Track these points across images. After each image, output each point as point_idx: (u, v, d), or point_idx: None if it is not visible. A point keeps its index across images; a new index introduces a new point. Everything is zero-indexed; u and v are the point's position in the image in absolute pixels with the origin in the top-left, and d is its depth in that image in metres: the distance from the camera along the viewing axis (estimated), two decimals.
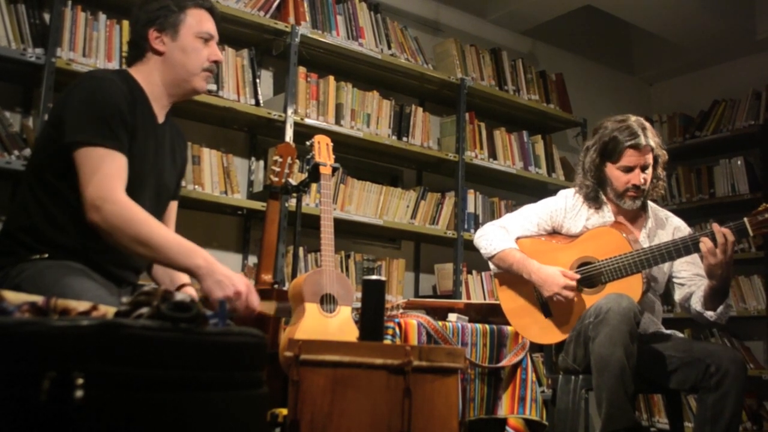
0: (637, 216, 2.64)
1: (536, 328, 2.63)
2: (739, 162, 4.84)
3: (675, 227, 2.65)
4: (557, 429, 2.56)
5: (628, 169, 2.54)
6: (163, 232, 1.79)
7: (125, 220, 1.74)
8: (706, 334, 4.88)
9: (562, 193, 2.75)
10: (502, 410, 2.81)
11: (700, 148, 5.14)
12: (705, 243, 2.30)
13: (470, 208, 4.27)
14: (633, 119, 2.57)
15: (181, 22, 2.01)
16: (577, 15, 4.88)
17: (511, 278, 2.66)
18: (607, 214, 2.62)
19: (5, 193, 3.00)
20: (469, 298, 4.11)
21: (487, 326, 2.82)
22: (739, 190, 4.79)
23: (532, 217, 2.71)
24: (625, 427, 2.20)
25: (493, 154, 4.41)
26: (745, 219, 2.31)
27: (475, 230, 4.19)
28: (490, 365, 2.78)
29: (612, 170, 2.57)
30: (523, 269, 2.59)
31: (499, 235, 2.69)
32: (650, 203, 2.66)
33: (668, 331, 2.60)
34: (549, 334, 2.61)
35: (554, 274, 2.52)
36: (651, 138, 2.54)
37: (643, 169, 2.54)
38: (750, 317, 4.69)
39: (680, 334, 2.63)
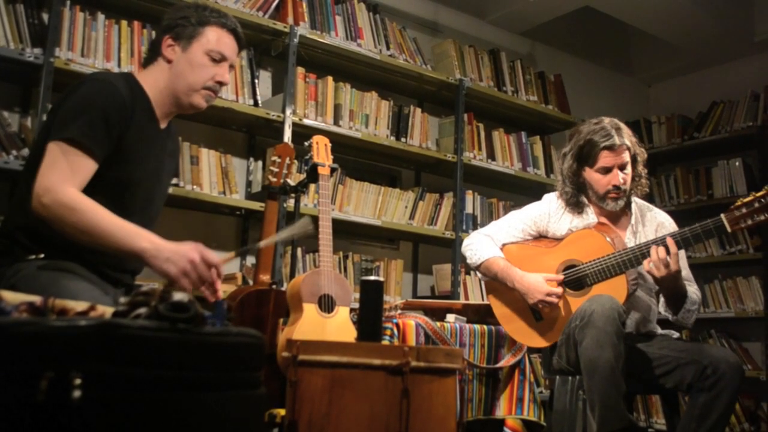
0: (621, 215, 2.63)
1: (528, 332, 2.64)
2: (737, 163, 4.84)
3: (659, 223, 2.63)
4: (554, 430, 2.56)
5: (606, 171, 2.54)
6: (106, 218, 1.74)
7: (67, 209, 1.71)
8: (705, 336, 4.88)
9: (546, 197, 2.76)
10: (500, 411, 2.81)
11: (699, 150, 5.14)
12: (652, 256, 2.33)
13: (468, 209, 4.27)
14: (606, 121, 2.57)
15: (197, 35, 2.02)
16: (575, 16, 4.88)
17: (500, 284, 2.67)
18: (591, 215, 2.62)
19: (3, 193, 2.99)
20: (467, 298, 4.11)
21: (485, 327, 2.82)
22: (737, 191, 4.77)
23: (516, 223, 2.73)
24: (619, 427, 2.19)
25: (491, 155, 4.41)
26: (723, 215, 2.33)
27: (474, 231, 4.21)
28: (488, 366, 2.78)
29: (591, 174, 2.57)
30: (507, 278, 2.61)
31: (484, 244, 2.71)
32: (636, 200, 2.66)
33: (663, 331, 2.60)
34: (540, 337, 2.62)
35: (537, 282, 2.53)
36: (626, 137, 2.54)
37: (621, 168, 2.53)
38: (748, 318, 4.69)
39: (676, 334, 2.62)
